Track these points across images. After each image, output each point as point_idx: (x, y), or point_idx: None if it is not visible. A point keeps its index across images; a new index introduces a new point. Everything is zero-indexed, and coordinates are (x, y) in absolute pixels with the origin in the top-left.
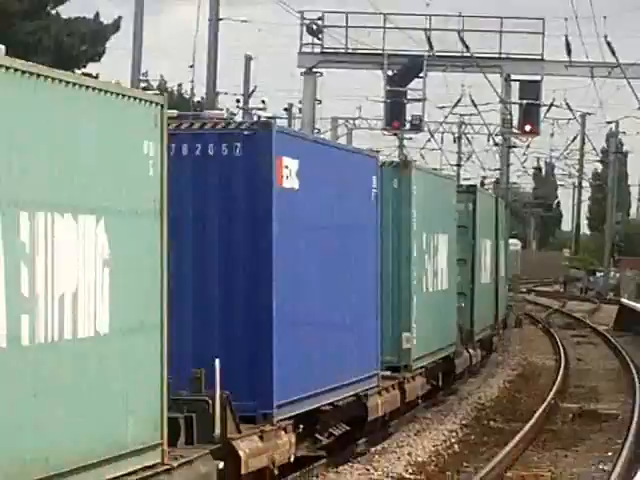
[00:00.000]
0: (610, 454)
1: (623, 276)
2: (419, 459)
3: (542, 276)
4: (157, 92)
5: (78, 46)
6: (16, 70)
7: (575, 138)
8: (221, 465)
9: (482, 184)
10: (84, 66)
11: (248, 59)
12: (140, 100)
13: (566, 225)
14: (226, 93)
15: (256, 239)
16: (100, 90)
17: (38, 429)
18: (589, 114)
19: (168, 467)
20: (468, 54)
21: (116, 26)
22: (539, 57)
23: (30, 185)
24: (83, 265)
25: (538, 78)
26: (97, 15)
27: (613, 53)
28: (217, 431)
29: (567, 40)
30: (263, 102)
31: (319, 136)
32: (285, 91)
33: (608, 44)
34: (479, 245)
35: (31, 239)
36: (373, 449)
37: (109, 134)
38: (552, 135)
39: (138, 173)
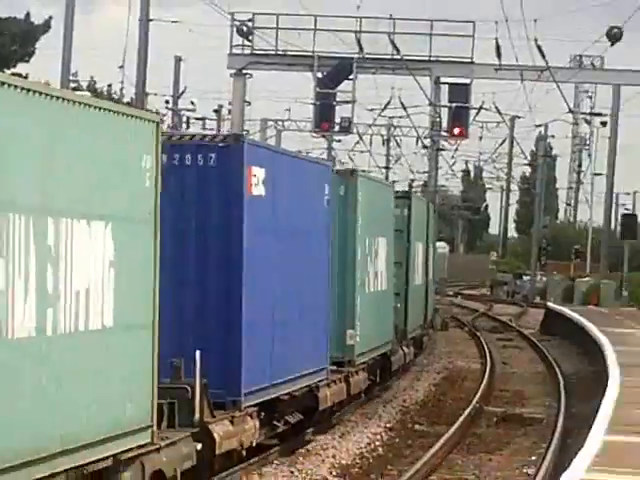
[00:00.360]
0: (534, 458)
1: (550, 280)
2: (343, 462)
3: (469, 279)
4: (87, 92)
5: (8, 46)
6: (47, 95)
7: (504, 141)
8: (199, 446)
9: (410, 187)
10: (14, 66)
11: (178, 60)
12: (140, 118)
13: (494, 228)
14: (155, 94)
15: (228, 240)
16: (110, 110)
17: (58, 409)
18: (518, 117)
19: (157, 447)
20: (398, 57)
21: (46, 26)
22: (469, 60)
23: (55, 195)
24: (94, 265)
25: (468, 81)
26: (28, 15)
27: (543, 56)
28: (196, 416)
29: (497, 43)
30: (192, 103)
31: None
32: (215, 92)
33: (538, 47)
34: (413, 248)
35: (56, 242)
36: (297, 451)
37: (117, 149)
38: (481, 138)
39: (137, 184)
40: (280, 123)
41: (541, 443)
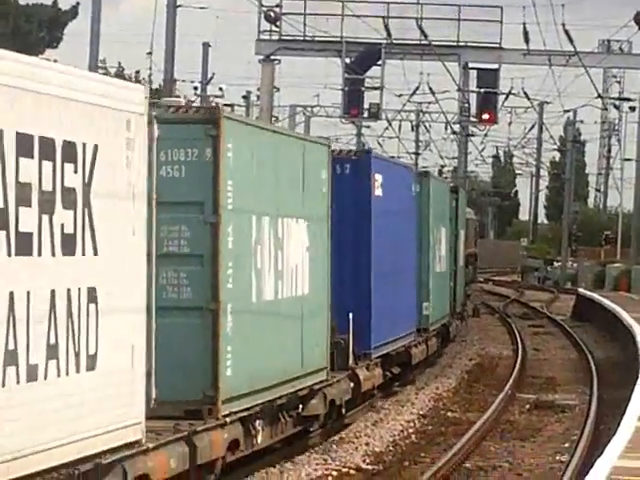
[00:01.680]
0: (567, 445)
1: (581, 266)
2: (377, 449)
3: (500, 265)
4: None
5: (36, 32)
6: (271, 131)
7: (533, 127)
8: (352, 384)
9: (440, 172)
10: (42, 52)
11: (206, 46)
12: (320, 143)
13: (524, 214)
14: (184, 80)
15: (360, 228)
16: (305, 140)
17: (284, 349)
18: (547, 103)
19: (331, 382)
20: (426, 42)
21: (74, 12)
22: (497, 45)
23: (281, 203)
24: (299, 250)
25: (496, 66)
26: (55, 1)
27: (571, 41)
28: (350, 362)
29: (525, 28)
30: (221, 89)
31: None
32: (243, 78)
33: (566, 32)
34: (459, 235)
35: (282, 235)
36: (330, 439)
37: (309, 167)
38: (510, 124)
39: (319, 191)
40: (309, 109)
41: (574, 430)
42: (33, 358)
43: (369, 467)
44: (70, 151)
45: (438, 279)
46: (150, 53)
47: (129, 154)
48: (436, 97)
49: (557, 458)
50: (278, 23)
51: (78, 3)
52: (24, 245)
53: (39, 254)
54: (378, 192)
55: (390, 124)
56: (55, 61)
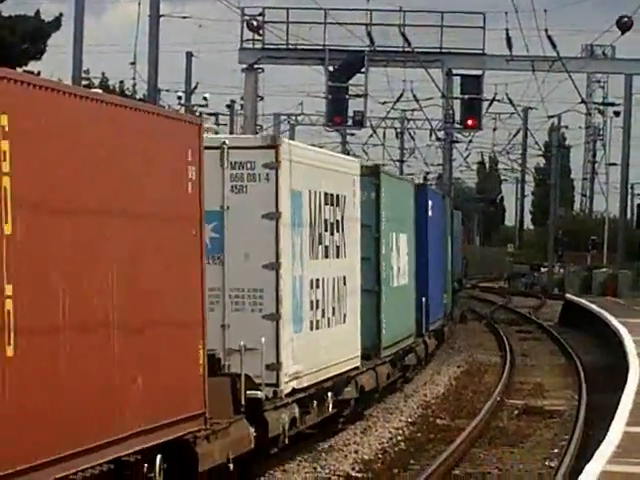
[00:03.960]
0: (556, 450)
1: (568, 271)
2: (366, 457)
3: (486, 272)
4: (99, 90)
5: (19, 44)
6: (395, 177)
7: (517, 132)
8: (424, 347)
9: (425, 179)
10: (25, 64)
11: (189, 56)
12: (408, 182)
13: (510, 220)
14: (168, 90)
15: (420, 237)
16: (405, 180)
17: (397, 321)
18: (531, 108)
19: (417, 344)
20: (409, 49)
21: (57, 23)
22: (480, 52)
23: (399, 223)
24: (403, 252)
25: (479, 73)
26: (38, 13)
27: (554, 47)
28: (423, 332)
29: (508, 34)
30: (205, 99)
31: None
32: (227, 87)
33: (549, 38)
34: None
35: (399, 244)
36: (319, 447)
37: (407, 197)
38: (494, 130)
39: (410, 212)
40: (293, 118)
41: (563, 435)
42: (328, 314)
43: (358, 475)
44: (338, 200)
45: (449, 279)
46: (134, 63)
47: (354, 200)
48: (420, 104)
49: (546, 464)
50: (261, 32)
51: (61, 14)
52: (326, 252)
53: (330, 257)
54: (430, 213)
55: (374, 131)
56: (39, 73)
